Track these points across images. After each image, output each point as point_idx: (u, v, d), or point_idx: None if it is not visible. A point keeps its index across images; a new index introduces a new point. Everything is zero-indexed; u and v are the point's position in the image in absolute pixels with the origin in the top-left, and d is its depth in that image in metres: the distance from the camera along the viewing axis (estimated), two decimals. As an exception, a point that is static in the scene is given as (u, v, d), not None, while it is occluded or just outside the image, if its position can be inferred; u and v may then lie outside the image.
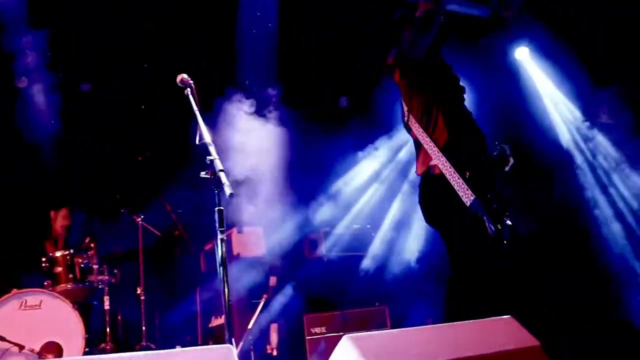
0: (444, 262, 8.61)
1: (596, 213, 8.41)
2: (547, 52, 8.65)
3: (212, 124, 6.53)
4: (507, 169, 4.67)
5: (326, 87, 9.55)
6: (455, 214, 4.36)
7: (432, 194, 4.60)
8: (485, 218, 4.28)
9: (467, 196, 4.31)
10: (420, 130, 4.62)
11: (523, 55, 9.09)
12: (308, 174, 9.03)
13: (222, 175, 3.83)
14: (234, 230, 8.05)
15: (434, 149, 4.50)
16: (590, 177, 8.57)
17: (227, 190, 3.73)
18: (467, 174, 4.37)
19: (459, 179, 4.36)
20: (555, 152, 8.61)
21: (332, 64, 9.18)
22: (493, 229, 4.27)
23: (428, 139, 4.57)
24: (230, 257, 7.73)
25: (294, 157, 8.90)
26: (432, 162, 4.52)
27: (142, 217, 7.80)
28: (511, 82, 8.99)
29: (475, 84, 9.30)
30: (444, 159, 4.43)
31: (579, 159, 8.71)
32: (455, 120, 4.66)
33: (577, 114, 8.79)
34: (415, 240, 9.08)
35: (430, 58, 4.77)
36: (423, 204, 4.70)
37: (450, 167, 4.40)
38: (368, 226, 9.15)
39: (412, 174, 9.49)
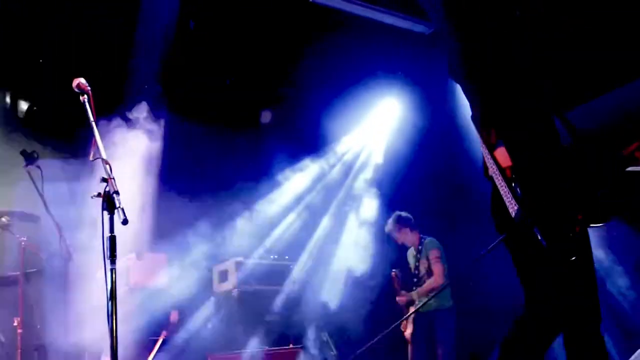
0: (368, 299, 8.18)
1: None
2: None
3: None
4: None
5: (246, 98, 8.73)
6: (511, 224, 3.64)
7: (494, 200, 3.85)
8: (535, 230, 3.45)
9: (511, 206, 3.55)
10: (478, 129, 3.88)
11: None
12: (221, 195, 8.31)
13: (116, 197, 3.51)
14: (133, 256, 7.23)
15: (487, 154, 3.75)
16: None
17: (120, 215, 3.43)
18: (512, 176, 3.58)
19: (505, 186, 3.60)
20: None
21: (254, 73, 8.41)
22: (545, 242, 3.42)
23: (482, 142, 3.81)
24: (126, 286, 7.04)
25: (204, 176, 8.31)
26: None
27: (25, 237, 6.78)
28: (452, 104, 8.48)
29: (416, 102, 8.90)
30: (492, 162, 3.68)
31: None
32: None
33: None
34: (338, 272, 8.54)
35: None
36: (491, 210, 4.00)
37: (497, 173, 3.65)
38: (286, 257, 8.46)
39: (340, 198, 8.96)
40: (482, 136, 3.75)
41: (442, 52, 7.96)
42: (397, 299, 7.69)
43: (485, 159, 3.76)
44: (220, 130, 8.48)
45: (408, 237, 7.85)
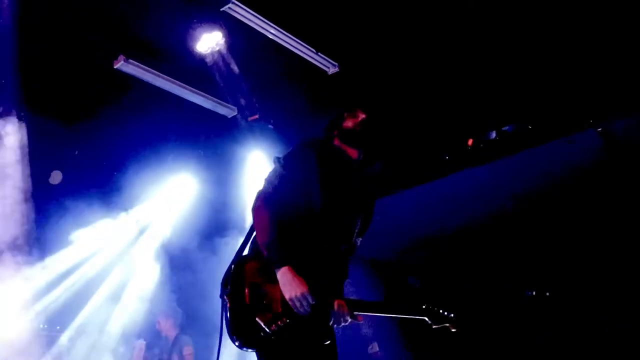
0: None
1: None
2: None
3: None
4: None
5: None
6: None
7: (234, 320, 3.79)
8: None
9: None
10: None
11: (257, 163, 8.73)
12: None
13: None
14: None
15: None
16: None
17: None
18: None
19: None
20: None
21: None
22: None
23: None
24: None
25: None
26: None
27: None
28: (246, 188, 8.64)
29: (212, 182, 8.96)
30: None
31: None
32: None
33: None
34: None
35: None
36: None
37: None
38: (57, 327, 7.96)
39: (122, 265, 8.66)
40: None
41: (243, 135, 8.23)
42: None
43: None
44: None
45: (170, 329, 8.16)
